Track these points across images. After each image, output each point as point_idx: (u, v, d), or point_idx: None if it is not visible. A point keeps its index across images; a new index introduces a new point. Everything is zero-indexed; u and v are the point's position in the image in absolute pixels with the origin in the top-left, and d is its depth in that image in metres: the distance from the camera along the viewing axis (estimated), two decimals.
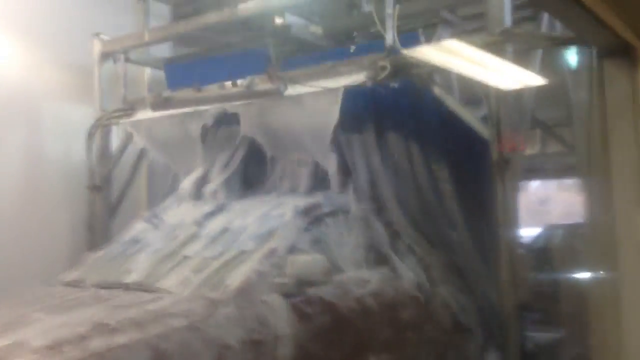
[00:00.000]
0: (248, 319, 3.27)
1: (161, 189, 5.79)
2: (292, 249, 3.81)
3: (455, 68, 3.95)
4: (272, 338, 3.32)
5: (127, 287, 3.72)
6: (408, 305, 4.30)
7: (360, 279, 4.08)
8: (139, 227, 4.65)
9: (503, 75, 3.98)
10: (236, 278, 3.53)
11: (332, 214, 4.31)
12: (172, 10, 6.85)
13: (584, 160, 4.20)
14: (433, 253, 4.72)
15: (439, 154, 4.74)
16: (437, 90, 4.44)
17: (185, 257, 3.90)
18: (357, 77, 4.62)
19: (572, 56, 4.59)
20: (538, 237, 8.10)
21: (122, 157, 6.13)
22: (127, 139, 5.99)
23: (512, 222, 4.26)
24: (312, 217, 4.14)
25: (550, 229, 8.42)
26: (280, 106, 4.88)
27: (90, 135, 5.99)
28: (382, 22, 4.49)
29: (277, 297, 3.50)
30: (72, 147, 6.18)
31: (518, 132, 4.29)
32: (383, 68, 4.47)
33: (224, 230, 4.13)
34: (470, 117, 4.40)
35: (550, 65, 4.56)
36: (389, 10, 4.46)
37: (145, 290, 3.60)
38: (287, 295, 3.54)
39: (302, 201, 4.34)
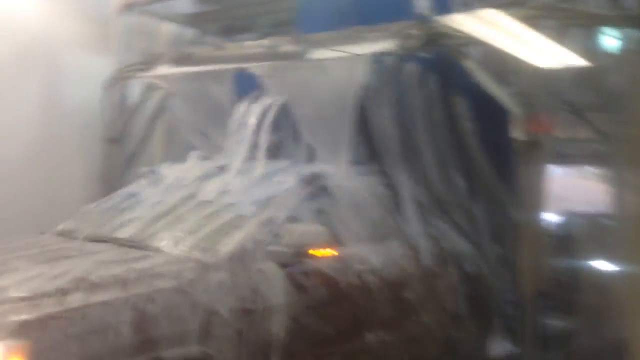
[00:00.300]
0: (240, 287, 3.12)
1: (178, 145, 5.67)
2: (292, 218, 3.63)
3: (490, 40, 3.71)
4: (265, 308, 3.17)
5: (118, 242, 3.57)
6: (411, 284, 4.11)
7: (363, 254, 3.88)
8: (139, 182, 4.51)
9: (540, 51, 3.74)
10: (230, 243, 3.35)
11: (340, 184, 4.09)
12: None
13: (621, 149, 3.97)
14: (450, 229, 4.55)
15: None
16: (469, 64, 4.21)
17: (181, 216, 3.72)
18: (384, 45, 4.40)
19: (615, 37, 4.33)
20: (558, 223, 7.89)
21: (139, 111, 6.01)
22: (146, 93, 5.87)
23: (537, 206, 4.07)
24: (316, 187, 3.92)
25: (571, 217, 8.19)
26: (302, 69, 4.70)
27: (107, 88, 5.88)
28: None
29: (272, 266, 3.33)
30: (89, 98, 6.09)
31: (549, 113, 4.07)
32: (413, 37, 4.25)
33: (223, 192, 3.93)
34: (502, 94, 4.18)
35: (586, 46, 4.31)
36: None
37: (136, 247, 3.44)
38: (283, 265, 3.37)
39: (307, 169, 4.12)
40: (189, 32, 6.64)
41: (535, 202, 4.07)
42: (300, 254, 3.40)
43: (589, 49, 4.27)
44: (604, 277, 5.24)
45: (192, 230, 3.54)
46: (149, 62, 5.73)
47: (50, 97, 5.97)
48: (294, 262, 3.41)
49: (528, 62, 3.89)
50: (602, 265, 5.65)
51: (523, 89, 4.02)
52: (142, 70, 5.75)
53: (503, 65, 4.27)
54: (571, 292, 5.67)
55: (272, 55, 4.70)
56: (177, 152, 5.42)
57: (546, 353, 4.16)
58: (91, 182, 5.94)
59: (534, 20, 3.70)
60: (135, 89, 6.05)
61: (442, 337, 4.33)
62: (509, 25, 3.48)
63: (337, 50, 4.51)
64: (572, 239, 6.32)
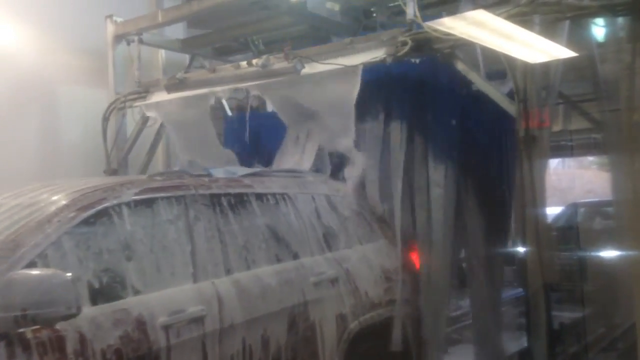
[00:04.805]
0: None
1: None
2: (36, 262, 2.52)
3: (480, 41, 3.79)
4: None
5: None
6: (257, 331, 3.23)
7: (171, 300, 2.91)
8: None
9: (530, 47, 3.81)
10: None
11: (148, 202, 3.02)
12: None
13: (614, 136, 4.03)
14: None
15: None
16: (460, 66, 4.29)
17: None
18: (376, 54, 4.48)
19: (600, 27, 4.41)
20: (560, 215, 7.97)
21: (138, 140, 6.05)
22: (143, 122, 5.92)
23: (539, 200, 4.12)
24: (95, 212, 2.80)
25: (572, 207, 8.27)
26: (298, 85, 4.77)
27: (105, 119, 5.92)
28: None
29: None
30: (87, 131, 6.14)
31: (544, 107, 4.14)
32: (404, 43, 4.33)
33: None
34: (496, 93, 4.26)
35: (575, 38, 4.39)
36: None
37: None
38: (5, 337, 2.33)
39: (91, 186, 3.01)
40: (184, 58, 6.73)
41: (538, 196, 4.12)
42: (31, 316, 2.32)
43: (579, 41, 4.34)
44: (610, 265, 5.29)
45: None
46: (145, 90, 5.80)
47: (48, 131, 5.98)
48: (24, 329, 2.36)
49: (520, 59, 3.97)
50: (608, 252, 5.71)
51: (517, 85, 4.09)
52: (138, 99, 5.82)
53: (495, 64, 4.36)
54: (579, 283, 5.70)
55: (267, 73, 4.76)
56: None
57: (557, 346, 4.18)
58: None
59: (522, 17, 3.77)
60: (132, 118, 6.09)
61: None
62: (497, 25, 3.54)
63: (330, 63, 4.59)
64: (576, 229, 6.39)
